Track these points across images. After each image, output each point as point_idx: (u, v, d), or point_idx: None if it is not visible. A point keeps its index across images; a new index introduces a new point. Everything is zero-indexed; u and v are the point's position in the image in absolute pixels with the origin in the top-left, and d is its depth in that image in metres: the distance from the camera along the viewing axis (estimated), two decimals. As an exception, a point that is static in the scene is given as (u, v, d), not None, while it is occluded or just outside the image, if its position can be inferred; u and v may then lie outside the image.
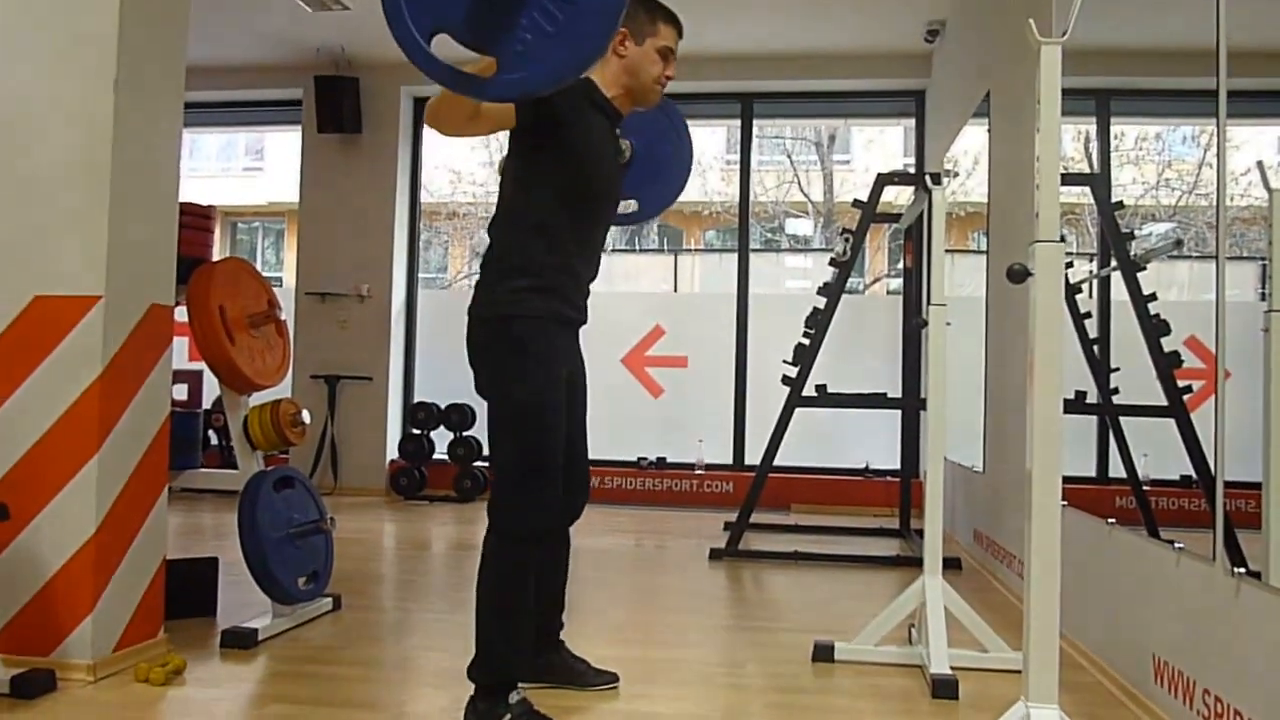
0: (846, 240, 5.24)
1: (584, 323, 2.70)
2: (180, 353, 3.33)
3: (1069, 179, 3.86)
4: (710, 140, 14.85)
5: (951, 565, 4.69)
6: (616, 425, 7.38)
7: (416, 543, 5.58)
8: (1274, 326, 2.29)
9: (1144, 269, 3.23)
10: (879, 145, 14.66)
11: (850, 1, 6.17)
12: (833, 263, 5.31)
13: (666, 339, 7.62)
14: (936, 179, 3.31)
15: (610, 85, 2.64)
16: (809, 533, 5.87)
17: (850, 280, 5.31)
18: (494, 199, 2.65)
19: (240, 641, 3.16)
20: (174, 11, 3.11)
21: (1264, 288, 2.50)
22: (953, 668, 2.86)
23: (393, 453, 7.54)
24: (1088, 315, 3.60)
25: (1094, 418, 3.51)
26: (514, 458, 2.48)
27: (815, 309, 5.23)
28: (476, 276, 2.60)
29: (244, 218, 17.92)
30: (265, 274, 3.87)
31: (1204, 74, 2.47)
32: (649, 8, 2.64)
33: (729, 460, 7.42)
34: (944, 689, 2.79)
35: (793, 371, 5.15)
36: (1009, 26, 4.53)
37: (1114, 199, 3.49)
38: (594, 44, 2.10)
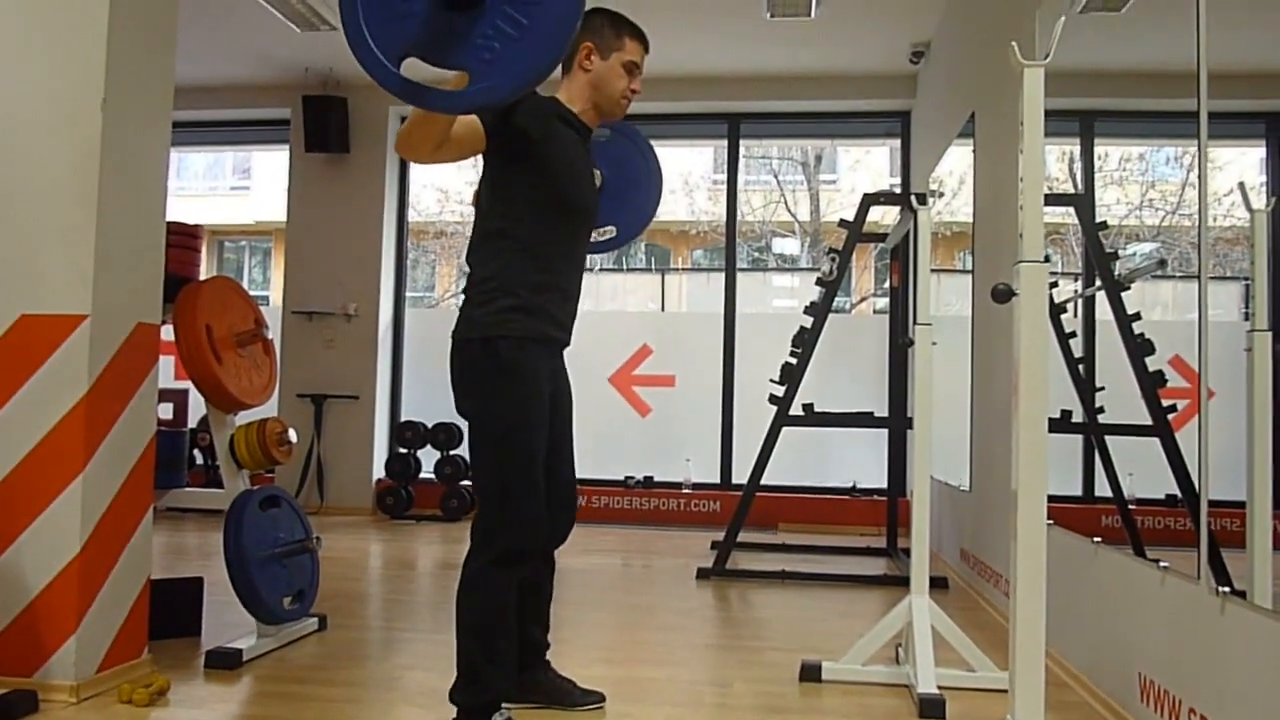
0: (833, 260, 5.26)
1: (567, 344, 2.69)
2: (166, 371, 3.32)
3: (1054, 199, 3.90)
4: (697, 160, 14.92)
5: (939, 584, 4.69)
6: (603, 444, 7.38)
7: (403, 562, 5.56)
8: (1256, 346, 2.32)
9: (1128, 289, 3.25)
10: (865, 166, 14.74)
11: (836, 24, 6.22)
12: (819, 282, 5.34)
13: (654, 358, 7.63)
14: (922, 199, 3.33)
15: (576, 100, 2.65)
16: (796, 552, 5.87)
17: (837, 300, 5.33)
18: (475, 216, 2.65)
19: (225, 662, 3.13)
20: (162, 31, 3.12)
21: (1247, 307, 2.52)
22: (940, 687, 2.86)
23: (379, 472, 7.52)
24: (1073, 335, 3.62)
25: (1080, 437, 3.53)
26: (493, 478, 2.48)
27: (802, 328, 5.25)
28: (461, 299, 2.61)
29: (231, 237, 17.89)
30: (252, 293, 3.87)
31: (1186, 95, 2.50)
32: (614, 23, 2.65)
33: (716, 479, 7.42)
34: (931, 708, 2.79)
35: (780, 391, 5.16)
36: (993, 49, 4.57)
37: (1098, 219, 3.52)
38: (557, 44, 2.11)
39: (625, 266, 15.43)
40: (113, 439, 2.88)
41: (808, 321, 5.24)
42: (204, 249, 3.73)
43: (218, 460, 3.49)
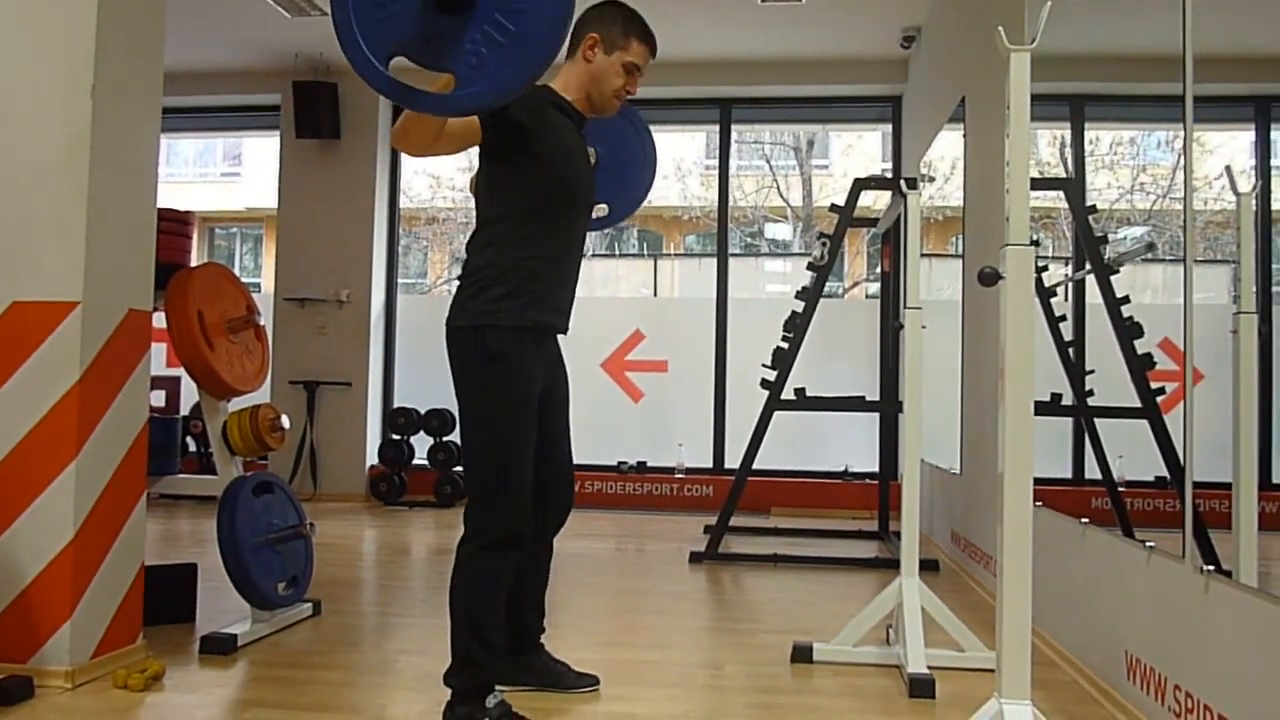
0: (824, 245, 5.27)
1: (564, 329, 2.70)
2: (158, 359, 3.33)
3: (1044, 183, 3.91)
4: (689, 145, 14.88)
5: (929, 566, 4.73)
6: (597, 430, 7.39)
7: (396, 548, 5.57)
8: (1242, 328, 2.34)
9: (1117, 272, 3.27)
10: (857, 150, 14.73)
11: (827, 8, 6.22)
12: (811, 267, 5.35)
13: (646, 343, 7.64)
14: (912, 184, 3.34)
15: (572, 90, 2.65)
16: (788, 535, 5.90)
17: (829, 284, 5.34)
18: (474, 203, 2.66)
19: (219, 647, 3.15)
20: (151, 16, 3.11)
21: (1236, 290, 2.54)
22: (930, 667, 2.89)
23: (372, 458, 7.53)
24: (1063, 318, 3.64)
25: (1070, 420, 3.55)
26: (484, 465, 2.49)
27: (794, 313, 5.26)
28: (456, 285, 2.62)
29: (222, 223, 17.82)
30: (244, 280, 3.87)
31: (1176, 79, 2.51)
32: (625, 21, 2.64)
33: (709, 464, 7.44)
34: (921, 688, 2.82)
35: (772, 375, 5.18)
36: (983, 33, 4.58)
37: (1089, 203, 3.53)
38: (545, 51, 2.11)
39: (618, 252, 15.42)
40: (105, 425, 2.89)
41: (800, 306, 5.26)
42: (195, 235, 3.73)
43: (210, 447, 3.50)
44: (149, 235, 3.14)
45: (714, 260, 7.70)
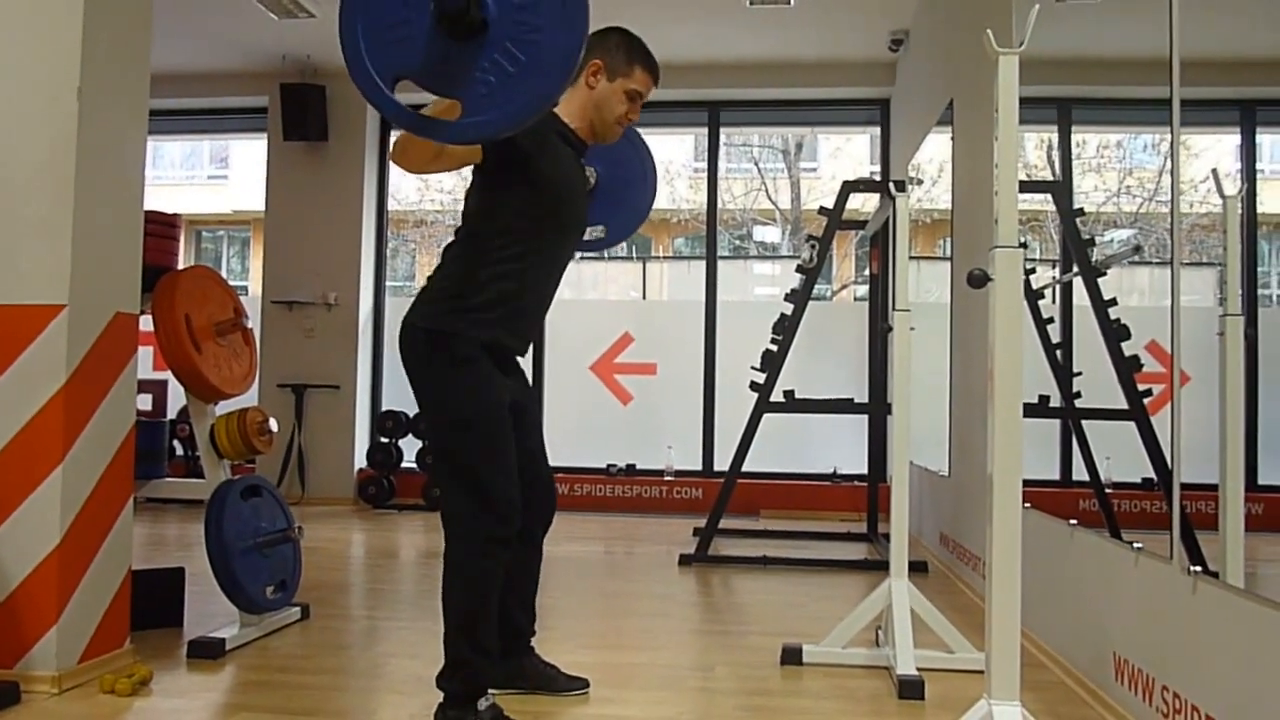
0: (813, 247, 5.28)
1: (523, 354, 2.71)
2: (145, 362, 3.31)
3: (1032, 186, 3.93)
4: (678, 148, 14.91)
5: (918, 568, 4.74)
6: (585, 432, 7.39)
7: (385, 551, 5.56)
8: (1229, 330, 2.35)
9: (1104, 274, 3.28)
10: (845, 153, 14.76)
11: (816, 11, 6.23)
12: (800, 269, 5.36)
13: (635, 346, 7.64)
14: (900, 186, 3.36)
15: (575, 117, 2.65)
16: (778, 538, 5.90)
17: (818, 287, 5.35)
18: (461, 206, 2.65)
19: (207, 651, 3.14)
20: (138, 18, 3.10)
21: (1222, 293, 2.56)
22: (919, 669, 2.89)
23: (360, 461, 7.51)
24: (1050, 320, 3.65)
25: (1058, 422, 3.56)
26: (458, 468, 2.48)
27: (783, 315, 5.27)
28: (423, 285, 2.60)
29: (209, 226, 17.78)
30: (231, 283, 3.85)
31: (1163, 83, 2.52)
32: (629, 49, 2.64)
33: (698, 466, 7.44)
34: (910, 689, 2.82)
35: (761, 377, 5.19)
36: (971, 36, 4.59)
37: (1076, 206, 3.54)
38: (555, 82, 2.11)
39: (606, 255, 15.42)
40: (92, 429, 2.87)
41: (788, 309, 5.26)
42: (182, 238, 3.71)
43: (198, 451, 3.49)
44: (136, 238, 3.12)
45: (703, 263, 7.71)
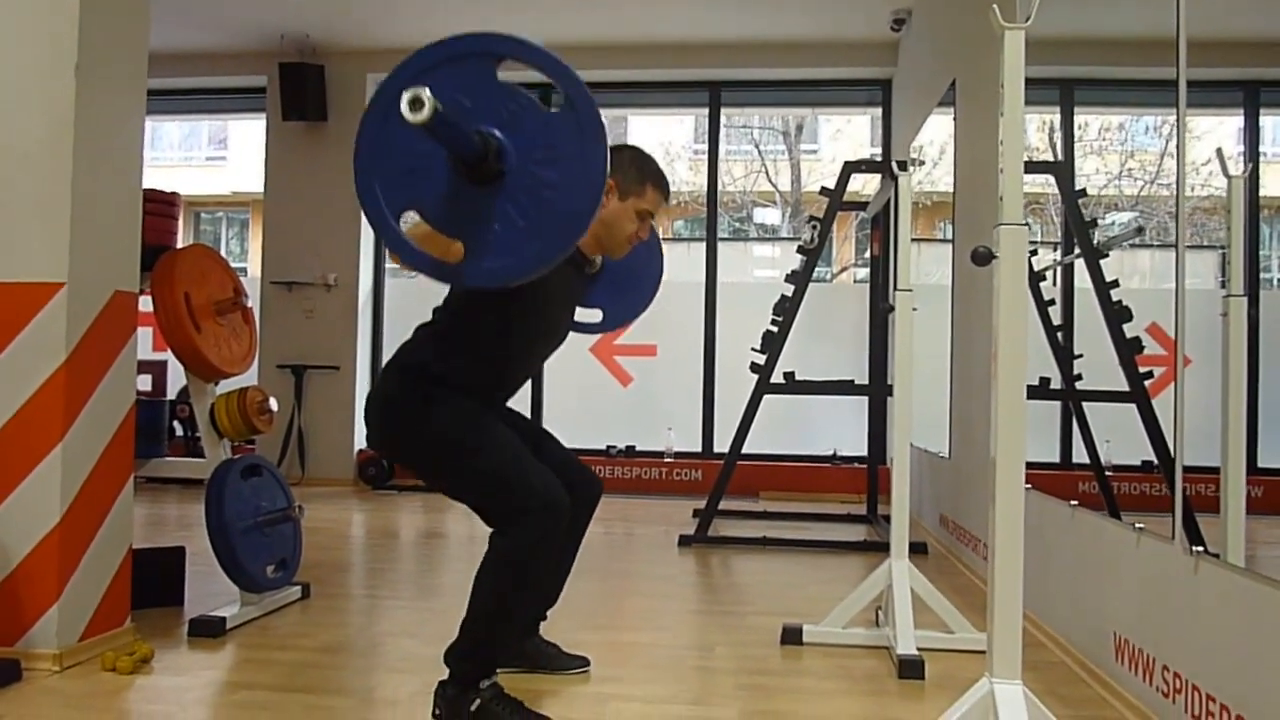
0: (814, 228, 5.27)
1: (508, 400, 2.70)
2: (144, 343, 3.30)
3: (1033, 167, 3.91)
4: (678, 130, 14.87)
5: (918, 550, 4.74)
6: (585, 414, 7.39)
7: (385, 532, 5.56)
8: (1232, 310, 2.34)
9: (1106, 256, 3.28)
10: (846, 135, 14.73)
11: (818, -10, 6.20)
12: (801, 250, 5.34)
13: (635, 328, 7.53)
14: (903, 165, 3.34)
15: None
16: (777, 519, 5.91)
17: (817, 270, 5.34)
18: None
19: (208, 630, 3.14)
20: (136, -6, 3.08)
21: (1224, 275, 2.55)
22: (919, 649, 2.90)
23: (360, 442, 7.50)
24: (1051, 303, 3.65)
25: (1058, 405, 3.56)
26: (486, 480, 2.40)
27: (784, 296, 5.26)
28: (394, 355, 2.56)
29: (207, 208, 17.73)
30: (230, 265, 3.83)
31: (1165, 64, 2.51)
32: (641, 168, 2.62)
33: (698, 448, 7.45)
34: (910, 669, 2.83)
35: (761, 359, 5.18)
36: (974, 14, 4.56)
37: (1077, 188, 3.53)
38: (564, 243, 2.10)
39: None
40: (92, 407, 2.87)
41: (789, 290, 5.25)
42: (181, 217, 3.69)
43: (198, 431, 3.48)
44: (134, 216, 3.11)
45: (703, 244, 7.69)
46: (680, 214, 15.59)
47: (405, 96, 1.87)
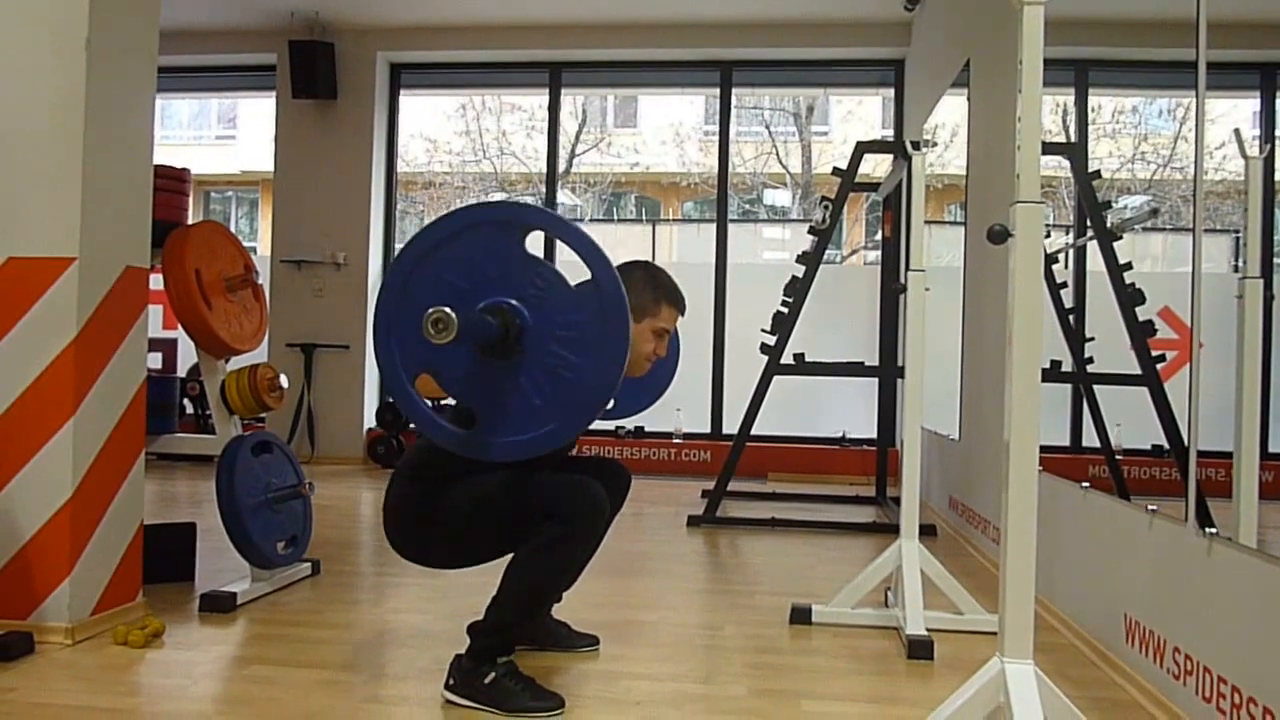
0: (826, 208, 5.25)
1: None
2: (155, 321, 3.30)
3: (1048, 148, 3.88)
4: (689, 111, 14.80)
5: (927, 531, 4.74)
6: (594, 395, 7.38)
7: (394, 510, 5.57)
8: (1248, 293, 2.33)
9: (1120, 238, 3.26)
10: (857, 117, 14.63)
11: (830, -31, 6.15)
12: (812, 230, 5.32)
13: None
14: (916, 145, 3.32)
15: None
16: (786, 500, 5.91)
17: (828, 251, 5.32)
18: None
19: (219, 605, 3.15)
20: (147, -31, 3.06)
21: (1236, 259, 2.53)
22: (928, 629, 2.90)
23: (370, 421, 7.52)
24: (1064, 285, 3.63)
25: (1069, 389, 3.55)
26: (537, 509, 2.37)
27: (794, 277, 5.24)
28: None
29: (217, 187, 17.71)
30: (241, 240, 3.82)
31: (1181, 45, 2.48)
32: (654, 288, 2.62)
33: (707, 429, 7.45)
34: (920, 649, 2.83)
35: (771, 340, 5.17)
36: (989, -5, 4.53)
37: (1091, 169, 3.51)
38: (579, 425, 2.11)
39: (616, 218, 15.37)
40: (103, 383, 2.87)
41: (799, 271, 5.24)
42: (191, 194, 3.69)
43: (209, 408, 3.49)
44: (145, 192, 3.10)
45: (713, 226, 7.67)
46: (690, 196, 15.54)
47: (429, 318, 1.90)
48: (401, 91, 7.89)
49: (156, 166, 3.18)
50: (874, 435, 6.31)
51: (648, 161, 15.32)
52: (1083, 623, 3.07)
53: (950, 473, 5.30)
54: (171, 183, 3.44)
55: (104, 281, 2.88)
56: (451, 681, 2.41)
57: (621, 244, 14.84)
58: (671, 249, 14.61)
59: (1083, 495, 3.10)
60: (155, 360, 3.69)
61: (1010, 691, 1.74)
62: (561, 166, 8.48)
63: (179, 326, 3.42)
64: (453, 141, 14.06)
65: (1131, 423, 3.25)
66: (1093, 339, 3.48)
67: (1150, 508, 2.59)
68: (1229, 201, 2.56)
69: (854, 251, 13.61)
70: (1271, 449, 2.39)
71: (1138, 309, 3.11)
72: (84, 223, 2.79)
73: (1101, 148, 3.65)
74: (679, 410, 7.37)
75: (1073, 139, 3.71)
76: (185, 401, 6.76)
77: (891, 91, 7.60)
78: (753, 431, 5.20)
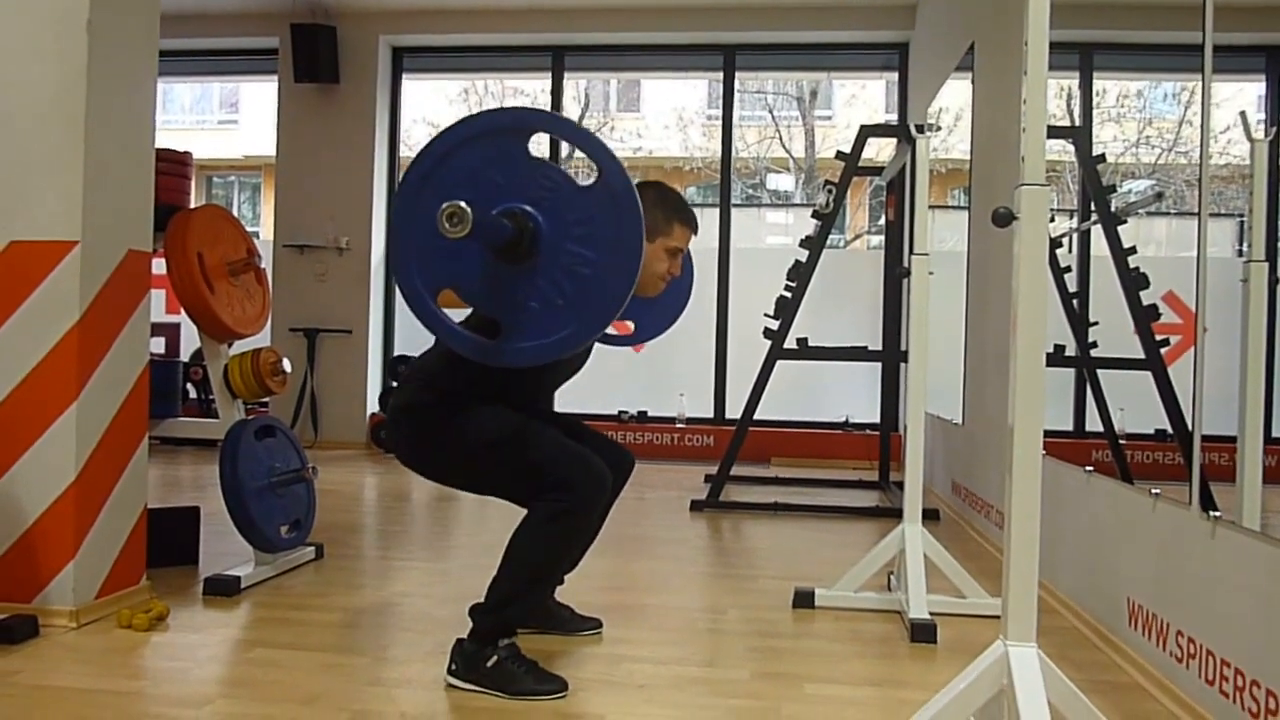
0: (829, 192, 5.23)
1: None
2: (157, 305, 3.29)
3: (1052, 132, 3.86)
4: (691, 95, 14.74)
5: (930, 515, 4.74)
6: (597, 380, 7.36)
7: (397, 494, 5.58)
8: (1253, 276, 2.32)
9: (1125, 222, 3.25)
10: (861, 101, 14.59)
11: (834, -48, 6.11)
12: (815, 214, 5.31)
13: (648, 293, 7.58)
14: (920, 128, 3.30)
15: None
16: (789, 485, 5.91)
17: (831, 236, 5.31)
18: None
19: (223, 589, 3.16)
20: (147, -49, 3.05)
21: (1240, 243, 2.52)
22: (931, 613, 2.90)
23: (373, 405, 7.53)
24: (1067, 270, 3.62)
25: (1072, 373, 3.55)
26: (528, 469, 2.39)
27: (797, 261, 5.23)
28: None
29: (219, 172, 17.69)
30: (243, 224, 3.81)
31: (1186, 28, 2.47)
32: (667, 207, 2.61)
33: (710, 414, 7.45)
34: (922, 633, 2.83)
35: (774, 324, 5.16)
36: (994, -23, 4.50)
37: (1096, 153, 3.50)
38: (601, 323, 2.10)
39: (618, 203, 15.31)
40: (106, 367, 2.87)
41: (802, 256, 5.22)
42: (194, 178, 3.68)
43: (212, 392, 3.49)
44: (147, 175, 3.09)
45: (716, 210, 7.65)
46: (693, 180, 15.51)
47: (444, 211, 1.89)
48: (404, 75, 7.87)
49: (158, 150, 3.17)
50: (877, 420, 6.31)
51: (651, 146, 15.28)
52: (1085, 606, 3.07)
53: (953, 457, 5.30)
54: (174, 166, 3.43)
55: (106, 265, 2.88)
56: (454, 666, 2.41)
57: (624, 229, 14.84)
58: (674, 234, 14.59)
59: (1086, 479, 3.10)
60: (158, 345, 3.69)
61: (1014, 675, 1.74)
62: (565, 151, 8.45)
63: (182, 311, 3.43)
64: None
65: (1135, 407, 3.24)
66: (1096, 323, 3.47)
67: (1154, 491, 2.59)
68: (1234, 186, 2.55)
69: (857, 236, 13.59)
70: (1275, 433, 2.39)
71: (1142, 293, 3.10)
72: (86, 206, 2.78)
73: (1106, 132, 3.63)
74: (682, 395, 7.37)
75: (1077, 123, 3.70)
76: (188, 386, 6.77)
77: (895, 75, 7.57)
78: (756, 416, 5.19)
